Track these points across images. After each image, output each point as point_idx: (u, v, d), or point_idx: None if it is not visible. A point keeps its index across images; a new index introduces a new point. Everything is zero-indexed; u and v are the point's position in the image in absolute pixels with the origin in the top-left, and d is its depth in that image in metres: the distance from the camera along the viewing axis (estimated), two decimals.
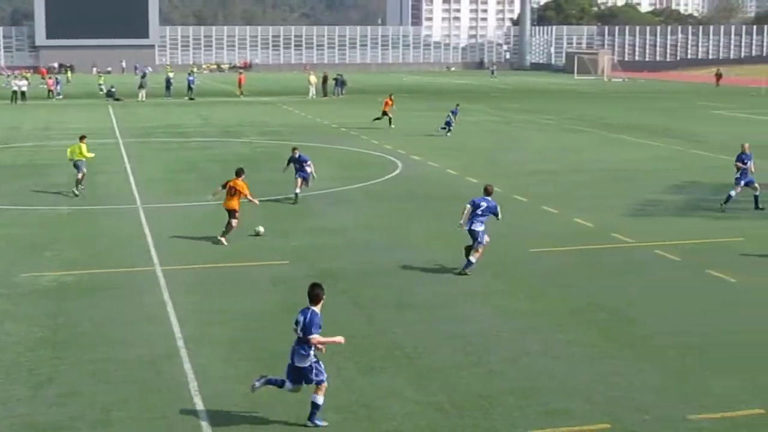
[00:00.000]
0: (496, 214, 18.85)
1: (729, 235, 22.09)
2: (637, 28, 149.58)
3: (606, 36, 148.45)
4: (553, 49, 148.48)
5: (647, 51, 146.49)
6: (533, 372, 13.19)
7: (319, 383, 11.55)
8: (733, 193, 25.59)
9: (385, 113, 48.64)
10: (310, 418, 11.59)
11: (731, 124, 52.96)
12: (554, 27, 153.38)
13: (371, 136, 43.95)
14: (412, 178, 30.91)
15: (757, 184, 25.86)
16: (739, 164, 25.67)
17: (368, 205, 24.31)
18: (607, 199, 27.26)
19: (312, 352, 11.51)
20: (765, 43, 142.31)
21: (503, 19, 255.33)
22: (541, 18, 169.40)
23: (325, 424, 11.57)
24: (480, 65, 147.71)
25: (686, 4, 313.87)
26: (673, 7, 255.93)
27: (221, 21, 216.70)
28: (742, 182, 25.64)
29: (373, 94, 79.13)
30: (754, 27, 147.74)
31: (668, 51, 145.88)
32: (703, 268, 18.88)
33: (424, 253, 20.33)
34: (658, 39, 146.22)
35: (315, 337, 11.41)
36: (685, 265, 19.25)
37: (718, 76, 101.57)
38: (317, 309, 11.53)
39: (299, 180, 26.34)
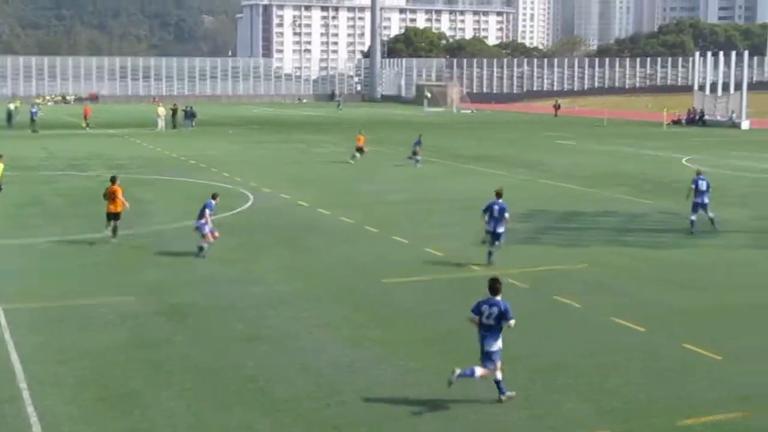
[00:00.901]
0: (503, 213, 22.37)
1: (574, 262, 22.87)
2: (485, 60, 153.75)
3: (455, 68, 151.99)
4: (403, 82, 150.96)
5: (494, 83, 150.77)
6: (387, 402, 13.32)
7: (491, 367, 13.29)
8: (693, 217, 27.15)
9: (360, 149, 48.12)
10: (502, 392, 13.37)
11: (574, 153, 55.02)
12: (404, 59, 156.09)
13: (222, 169, 43.62)
14: (264, 211, 30.82)
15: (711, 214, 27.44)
16: (694, 187, 27.28)
17: (219, 239, 24.06)
18: (457, 227, 27.81)
19: (500, 337, 13.35)
20: (606, 76, 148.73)
21: (354, 52, 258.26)
22: (392, 50, 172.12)
23: (513, 393, 13.47)
24: (331, 97, 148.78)
25: (532, 38, 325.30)
26: (519, 40, 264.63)
27: (66, 51, 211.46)
28: (699, 205, 27.14)
29: (223, 126, 78.57)
30: (596, 60, 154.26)
31: (515, 83, 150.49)
32: (551, 295, 19.47)
33: (275, 285, 20.27)
34: (505, 71, 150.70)
35: (513, 321, 13.38)
36: (534, 292, 19.82)
37: (557, 107, 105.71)
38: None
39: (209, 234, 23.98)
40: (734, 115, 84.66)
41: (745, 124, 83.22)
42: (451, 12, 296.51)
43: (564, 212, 31.34)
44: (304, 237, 26.27)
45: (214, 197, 24.28)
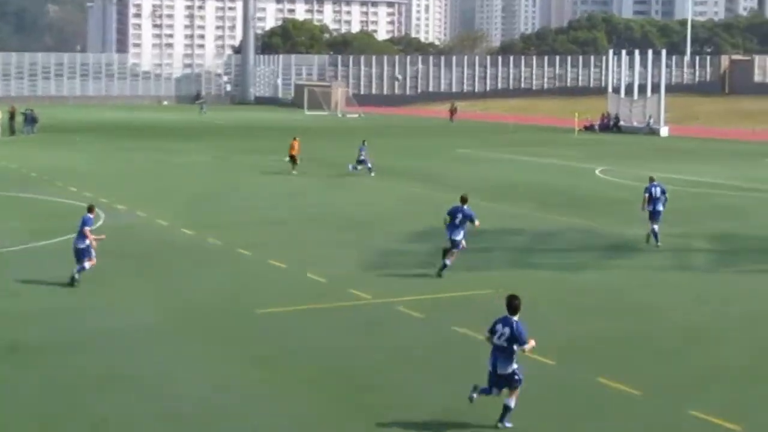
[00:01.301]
0: (472, 221, 24.14)
1: (477, 287, 23.11)
2: (374, 57, 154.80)
3: (339, 66, 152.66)
4: (280, 81, 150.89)
5: (385, 83, 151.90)
6: None
7: (517, 387, 13.84)
8: (656, 227, 28.55)
9: (292, 157, 48.73)
10: (501, 419, 13.76)
11: (475, 163, 55.77)
12: (281, 56, 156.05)
13: (68, 182, 42.78)
14: (117, 231, 30.29)
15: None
16: (647, 195, 28.73)
17: (64, 265, 23.51)
18: (342, 249, 27.83)
19: (516, 358, 13.84)
20: (511, 76, 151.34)
21: (223, 47, 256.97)
22: (267, 46, 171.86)
23: (511, 425, 13.78)
24: (196, 98, 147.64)
25: (427, 32, 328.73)
26: (413, 35, 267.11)
27: None
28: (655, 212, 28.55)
29: (70, 132, 77.10)
30: (499, 58, 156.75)
31: (408, 83, 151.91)
32: (449, 325, 19.61)
33: (131, 319, 19.92)
34: (397, 70, 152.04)
35: (531, 343, 13.87)
36: (430, 323, 19.92)
37: (452, 110, 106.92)
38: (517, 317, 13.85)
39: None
40: (652, 121, 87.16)
41: (663, 131, 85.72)
42: (335, 2, 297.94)
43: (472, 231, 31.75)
44: (165, 262, 25.91)
45: (90, 210, 23.68)
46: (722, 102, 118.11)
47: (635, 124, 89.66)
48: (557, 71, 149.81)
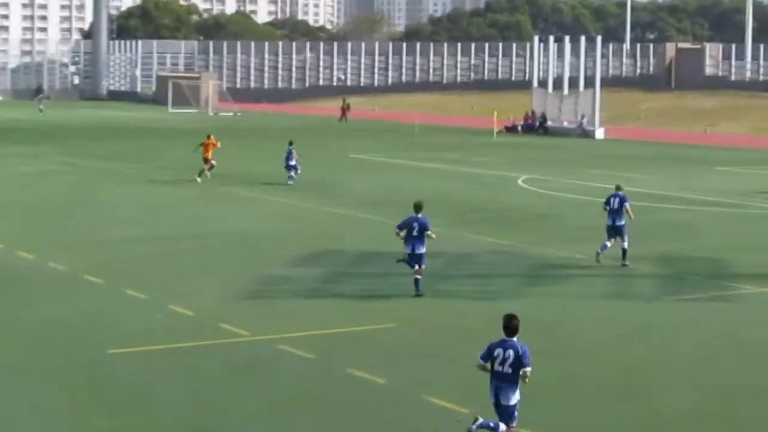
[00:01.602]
0: (426, 229, 25.37)
1: (378, 321, 23.10)
2: (253, 44, 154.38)
3: (211, 54, 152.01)
4: (139, 72, 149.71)
5: (266, 75, 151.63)
6: None
7: (512, 424, 14.39)
8: (608, 243, 29.89)
9: (208, 161, 49.53)
10: None
11: (376, 171, 55.94)
12: (140, 42, 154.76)
13: None
14: None
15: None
16: (607, 208, 30.07)
17: None
18: (213, 276, 27.62)
19: (520, 386, 14.38)
20: (417, 67, 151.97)
21: (70, 31, 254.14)
22: (123, 29, 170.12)
23: None
24: (37, 92, 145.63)
25: (316, 14, 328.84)
26: (300, 16, 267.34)
27: None
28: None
29: None
30: (404, 45, 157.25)
31: (294, 75, 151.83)
32: (344, 367, 19.58)
33: None
34: (281, 59, 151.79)
35: (529, 369, 14.43)
36: (321, 365, 19.86)
37: (345, 108, 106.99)
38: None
39: None
40: (585, 121, 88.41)
41: (599, 133, 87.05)
42: None
43: (363, 252, 31.72)
44: None
45: None
46: (668, 98, 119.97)
47: (565, 124, 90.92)
48: (472, 61, 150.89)
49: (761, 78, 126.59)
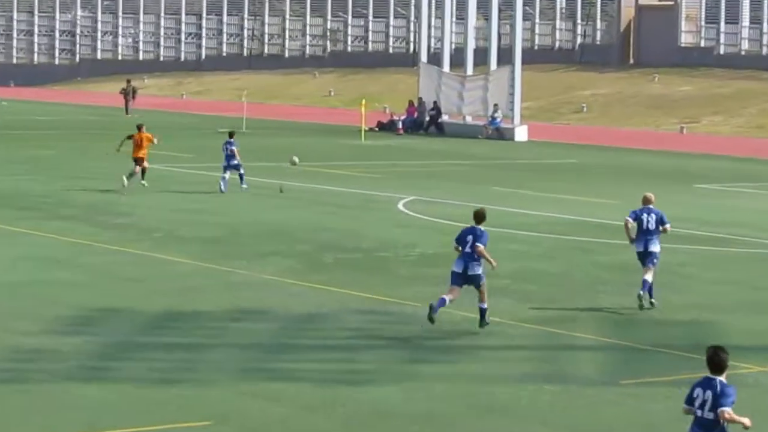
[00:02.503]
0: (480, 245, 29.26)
1: (183, 417, 23.01)
2: None
3: None
4: None
5: (15, 45, 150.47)
6: None
7: None
8: (649, 277, 32.67)
9: (140, 161, 54.46)
10: None
11: (181, 189, 55.88)
12: None
13: None
14: None
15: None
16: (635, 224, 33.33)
17: None
18: None
19: None
20: (246, 30, 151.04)
21: None
22: None
23: None
24: None
25: None
26: None
27: None
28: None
29: None
30: (225, 2, 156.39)
31: (57, 45, 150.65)
32: None
33: None
34: (37, 20, 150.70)
35: (744, 421, 16.68)
36: None
37: (127, 93, 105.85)
38: (725, 379, 16.65)
39: None
40: (498, 115, 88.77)
41: (519, 133, 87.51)
42: None
43: (161, 313, 31.84)
44: None
45: None
46: (625, 80, 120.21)
47: (469, 119, 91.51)
48: (329, 25, 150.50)
49: (765, 51, 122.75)
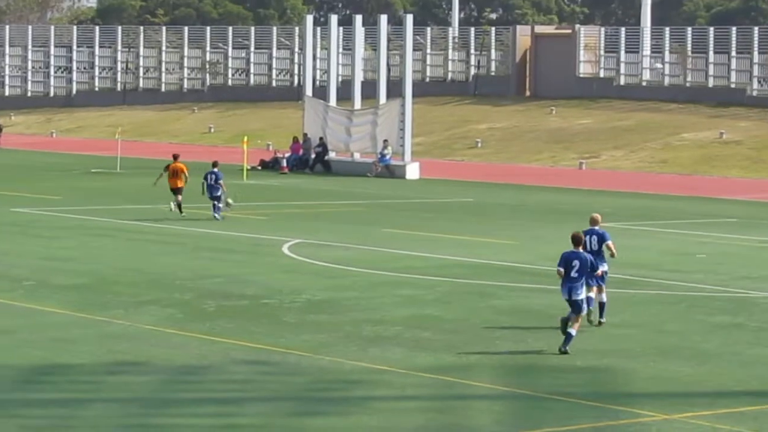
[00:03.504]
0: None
1: None
2: None
3: None
4: None
5: None
6: None
7: None
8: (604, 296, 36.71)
9: (178, 192, 57.41)
10: None
11: (54, 233, 55.85)
12: None
13: None
14: None
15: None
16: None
17: None
18: None
19: None
20: (119, 62, 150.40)
21: None
22: None
23: None
24: None
25: None
26: None
27: None
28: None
29: None
30: (97, 29, 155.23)
31: None
32: None
33: None
34: None
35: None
36: None
37: None
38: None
39: None
40: (389, 152, 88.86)
41: (410, 170, 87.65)
42: None
43: (33, 366, 31.76)
44: None
45: None
46: (522, 113, 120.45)
47: (357, 156, 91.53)
48: (208, 56, 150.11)
49: (666, 81, 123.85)
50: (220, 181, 59.17)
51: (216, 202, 58.90)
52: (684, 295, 43.73)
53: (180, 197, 59.85)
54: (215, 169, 57.84)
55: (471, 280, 45.59)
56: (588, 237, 35.75)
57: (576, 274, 32.09)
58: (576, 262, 32.15)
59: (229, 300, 41.25)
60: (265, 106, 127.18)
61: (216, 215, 58.48)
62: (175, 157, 59.15)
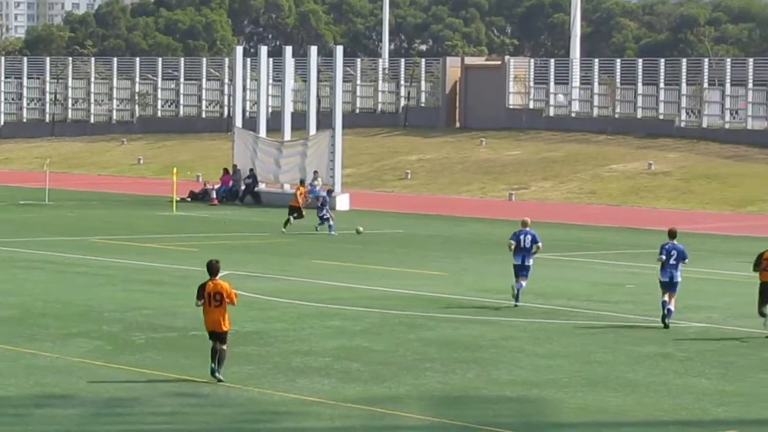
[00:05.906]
0: (684, 257, 41.89)
1: None
2: None
3: None
4: None
5: None
6: None
7: None
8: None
9: (298, 211, 63.90)
10: None
11: None
12: None
13: None
14: None
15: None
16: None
17: None
18: None
19: None
20: (48, 93, 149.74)
21: None
22: None
23: None
24: None
25: None
26: None
27: None
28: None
29: None
30: (25, 60, 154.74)
31: None
32: None
33: None
34: None
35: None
36: None
37: None
38: None
39: None
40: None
41: (340, 201, 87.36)
42: None
43: None
44: None
45: None
46: (452, 144, 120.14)
47: (287, 187, 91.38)
48: (137, 87, 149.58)
49: (596, 112, 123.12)
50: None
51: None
52: (612, 325, 43.94)
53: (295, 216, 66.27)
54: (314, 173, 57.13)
55: (400, 311, 45.63)
56: (522, 236, 46.19)
57: (674, 261, 41.39)
58: (674, 252, 41.54)
59: (158, 332, 41.23)
60: (194, 138, 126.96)
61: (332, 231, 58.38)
62: (302, 182, 58.57)
